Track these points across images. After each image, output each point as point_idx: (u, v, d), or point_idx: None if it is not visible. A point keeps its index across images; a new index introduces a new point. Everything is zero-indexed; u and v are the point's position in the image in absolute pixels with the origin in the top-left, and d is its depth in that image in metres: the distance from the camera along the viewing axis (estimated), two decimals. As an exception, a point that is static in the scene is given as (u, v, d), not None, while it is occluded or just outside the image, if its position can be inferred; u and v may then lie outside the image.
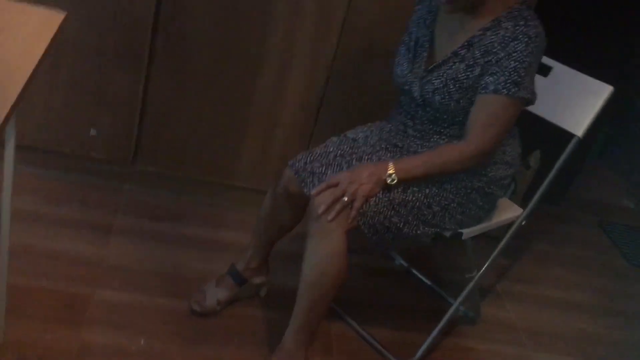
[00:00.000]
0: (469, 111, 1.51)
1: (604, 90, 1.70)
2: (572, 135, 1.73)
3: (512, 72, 1.43)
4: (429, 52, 1.56)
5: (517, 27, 1.42)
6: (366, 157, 1.61)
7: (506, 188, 1.71)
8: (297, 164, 1.64)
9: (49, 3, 1.32)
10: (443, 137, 1.59)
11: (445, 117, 1.56)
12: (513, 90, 1.44)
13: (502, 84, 1.43)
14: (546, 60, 1.73)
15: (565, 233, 2.85)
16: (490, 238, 1.92)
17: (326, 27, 2.00)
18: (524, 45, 1.41)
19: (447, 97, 1.51)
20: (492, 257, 1.85)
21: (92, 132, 2.10)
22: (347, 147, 1.64)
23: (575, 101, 1.75)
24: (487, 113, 1.48)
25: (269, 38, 2.00)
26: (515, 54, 1.42)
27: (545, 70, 1.78)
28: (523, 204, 1.86)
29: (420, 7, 1.63)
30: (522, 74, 1.43)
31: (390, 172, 1.47)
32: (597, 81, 1.72)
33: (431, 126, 1.60)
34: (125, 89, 2.05)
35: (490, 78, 1.45)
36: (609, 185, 3.47)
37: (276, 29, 1.99)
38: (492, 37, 1.45)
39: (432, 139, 1.60)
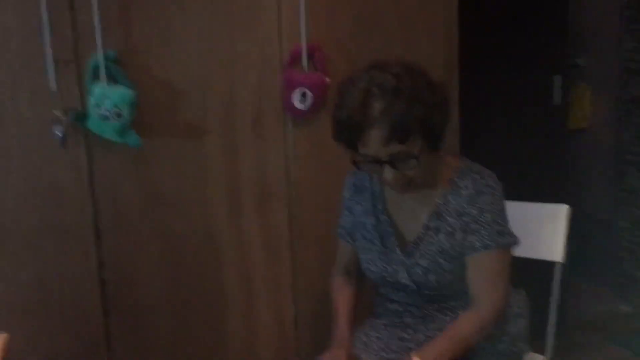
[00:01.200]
0: (463, 277, 1.45)
1: (562, 211, 1.71)
2: (547, 264, 1.70)
3: (492, 224, 1.41)
4: (395, 235, 1.51)
5: (477, 182, 1.42)
6: None
7: (529, 342, 1.60)
8: None
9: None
10: (447, 312, 1.49)
11: (445, 292, 1.48)
12: (500, 240, 1.41)
13: (488, 238, 1.40)
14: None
15: (584, 361, 2.70)
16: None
17: (275, 259, 1.97)
18: (490, 196, 1.41)
19: (441, 272, 1.44)
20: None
21: None
22: None
23: (541, 230, 1.73)
24: (486, 272, 1.42)
25: (225, 279, 1.93)
26: (487, 206, 1.40)
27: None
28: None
29: (361, 198, 1.58)
30: (501, 222, 1.42)
31: None
32: (552, 205, 1.73)
33: (430, 307, 1.50)
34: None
35: (474, 236, 1.41)
36: (595, 297, 3.40)
37: (229, 272, 1.93)
38: (457, 198, 1.43)
39: (436, 320, 1.50)
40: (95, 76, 1.72)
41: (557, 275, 1.70)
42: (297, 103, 1.87)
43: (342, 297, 1.60)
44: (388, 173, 1.35)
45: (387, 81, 1.29)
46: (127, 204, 1.82)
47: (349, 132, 1.33)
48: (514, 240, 1.44)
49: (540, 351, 1.74)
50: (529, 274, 1.97)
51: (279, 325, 2.01)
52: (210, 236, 1.90)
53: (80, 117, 1.73)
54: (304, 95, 1.86)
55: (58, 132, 1.73)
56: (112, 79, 1.73)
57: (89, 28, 1.69)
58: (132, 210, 1.83)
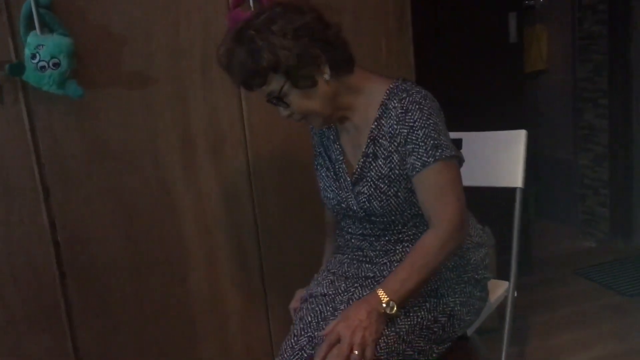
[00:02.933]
0: (413, 202, 1.43)
1: (520, 136, 1.69)
2: (508, 194, 1.69)
3: (426, 140, 1.36)
4: (346, 164, 1.50)
5: (403, 101, 1.38)
6: (344, 306, 1.44)
7: (490, 268, 1.59)
8: (286, 356, 1.44)
9: None
10: (405, 242, 1.47)
11: (394, 218, 1.45)
12: (437, 154, 1.36)
13: (424, 155, 1.36)
14: (451, 135, 1.72)
15: (550, 296, 2.74)
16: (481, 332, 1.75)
17: (235, 207, 1.92)
18: (418, 112, 1.36)
19: (383, 197, 1.42)
20: (505, 345, 1.67)
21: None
22: (322, 306, 1.48)
23: (499, 158, 1.72)
24: (433, 189, 1.39)
25: (184, 231, 1.88)
26: (417, 122, 1.36)
27: (457, 144, 1.75)
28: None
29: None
30: (435, 136, 1.36)
31: (385, 299, 1.31)
32: (509, 131, 1.71)
33: (387, 238, 1.48)
34: (51, 353, 1.80)
35: (412, 157, 1.38)
36: (560, 236, 3.46)
37: (187, 224, 1.88)
38: (388, 121, 1.40)
39: (396, 250, 1.48)
40: (29, 25, 1.62)
41: (518, 200, 1.69)
42: (246, 45, 1.79)
43: (329, 241, 1.68)
44: (281, 111, 1.41)
45: (237, 29, 1.34)
46: (74, 159, 1.74)
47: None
48: (453, 153, 1.39)
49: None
50: (495, 213, 1.98)
51: (244, 276, 1.97)
52: (164, 188, 1.84)
53: (16, 69, 1.63)
54: (252, 36, 1.78)
55: (-7, 86, 1.64)
56: (47, 27, 1.63)
57: (17, -27, 1.59)
58: (80, 166, 1.75)
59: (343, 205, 1.49)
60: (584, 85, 3.28)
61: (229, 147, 1.88)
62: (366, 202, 1.44)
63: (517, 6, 2.80)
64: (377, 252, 1.49)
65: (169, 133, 1.82)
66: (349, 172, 1.49)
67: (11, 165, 1.69)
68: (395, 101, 1.39)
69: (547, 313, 2.58)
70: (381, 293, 1.32)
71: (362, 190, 1.44)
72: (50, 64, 1.61)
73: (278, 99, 1.37)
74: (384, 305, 1.31)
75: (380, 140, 1.41)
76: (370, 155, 1.43)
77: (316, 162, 1.58)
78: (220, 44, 1.37)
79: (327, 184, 1.52)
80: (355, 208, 1.47)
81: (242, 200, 1.92)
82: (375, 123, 1.42)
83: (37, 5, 1.60)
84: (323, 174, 1.54)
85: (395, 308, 1.31)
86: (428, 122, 1.36)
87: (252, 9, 1.79)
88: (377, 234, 1.48)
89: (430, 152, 1.36)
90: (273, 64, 1.31)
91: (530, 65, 3.46)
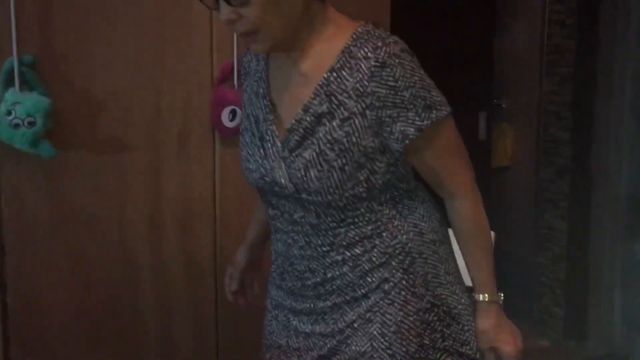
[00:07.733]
0: (359, 180, 1.14)
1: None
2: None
3: (414, 101, 1.12)
4: (277, 125, 1.19)
5: (378, 51, 1.11)
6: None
7: None
8: None
9: None
10: (343, 250, 1.19)
11: (330, 198, 1.14)
12: (433, 115, 1.13)
13: (417, 118, 1.12)
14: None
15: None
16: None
17: (198, 286, 1.86)
18: (399, 68, 1.11)
19: (325, 167, 1.13)
20: None
21: None
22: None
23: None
24: (436, 155, 1.18)
25: (142, 305, 1.81)
26: (399, 81, 1.11)
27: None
28: None
29: (248, 84, 1.28)
30: (425, 94, 1.13)
31: (492, 298, 1.32)
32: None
33: (320, 240, 1.18)
34: None
35: (400, 124, 1.12)
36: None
37: (146, 299, 1.81)
38: (356, 74, 1.12)
39: (333, 258, 1.19)
40: (8, 81, 1.60)
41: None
42: (227, 121, 1.80)
43: (253, 219, 1.49)
44: (223, 11, 1.08)
45: None
46: (36, 220, 1.68)
47: None
48: (447, 110, 1.16)
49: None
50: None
51: (200, 358, 1.90)
52: (127, 259, 1.78)
53: (-11, 124, 1.59)
54: (233, 113, 1.80)
55: (-37, 139, 1.60)
56: (27, 85, 1.61)
57: (4, 30, 1.58)
58: (41, 228, 1.69)
59: (267, 179, 1.20)
60: (546, 186, 3.38)
61: (198, 224, 1.84)
62: (301, 171, 1.14)
63: (487, 105, 2.92)
64: (305, 253, 1.21)
65: (138, 203, 1.78)
66: (280, 135, 1.18)
67: (-30, 221, 1.63)
68: (366, 50, 1.12)
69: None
70: (485, 297, 1.30)
71: (301, 154, 1.15)
72: (25, 123, 1.58)
73: None
74: (496, 302, 1.33)
75: (340, 97, 1.13)
76: (325, 114, 1.14)
77: (242, 126, 1.28)
78: None
79: (251, 152, 1.22)
80: (283, 181, 1.17)
81: (206, 281, 1.87)
82: (334, 74, 1.13)
83: (20, 63, 1.59)
84: (247, 140, 1.24)
85: (499, 298, 1.34)
86: (413, 79, 1.12)
87: (236, 87, 1.81)
88: (308, 231, 1.19)
89: (424, 114, 1.13)
90: None
91: (495, 161, 3.57)
